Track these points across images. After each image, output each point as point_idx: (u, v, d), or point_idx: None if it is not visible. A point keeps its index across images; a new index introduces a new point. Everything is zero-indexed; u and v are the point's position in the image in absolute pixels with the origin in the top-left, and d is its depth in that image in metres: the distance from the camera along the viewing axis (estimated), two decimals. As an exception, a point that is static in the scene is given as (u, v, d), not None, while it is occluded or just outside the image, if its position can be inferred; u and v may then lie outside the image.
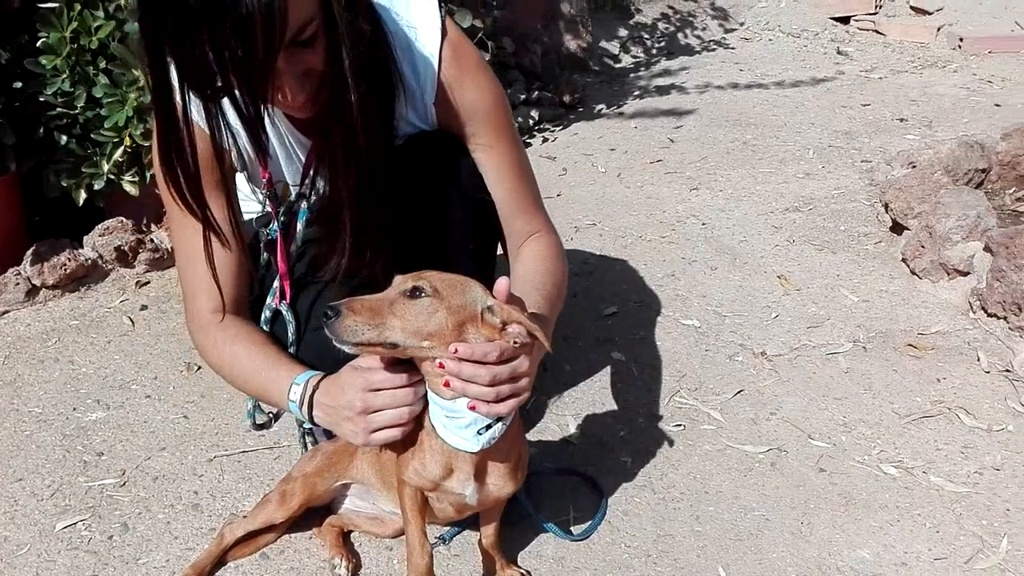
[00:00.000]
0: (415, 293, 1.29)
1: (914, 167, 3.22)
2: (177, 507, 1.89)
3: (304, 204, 1.64)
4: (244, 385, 1.66)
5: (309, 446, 1.92)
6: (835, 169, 3.81)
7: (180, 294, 2.80)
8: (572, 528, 1.81)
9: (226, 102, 1.30)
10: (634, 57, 6.21)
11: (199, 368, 2.39)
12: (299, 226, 1.65)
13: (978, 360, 2.35)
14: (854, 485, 1.91)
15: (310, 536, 1.78)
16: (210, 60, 1.20)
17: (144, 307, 2.76)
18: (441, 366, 1.31)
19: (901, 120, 4.46)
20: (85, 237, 2.91)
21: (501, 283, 1.32)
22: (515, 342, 1.31)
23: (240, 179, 1.74)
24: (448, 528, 1.77)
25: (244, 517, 1.72)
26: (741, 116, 4.64)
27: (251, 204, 1.86)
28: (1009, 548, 1.72)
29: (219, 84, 1.25)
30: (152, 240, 3.01)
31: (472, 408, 1.32)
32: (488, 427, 1.37)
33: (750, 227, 3.25)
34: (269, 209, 1.65)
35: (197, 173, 1.43)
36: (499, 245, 1.86)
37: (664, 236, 3.22)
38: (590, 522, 1.80)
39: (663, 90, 5.29)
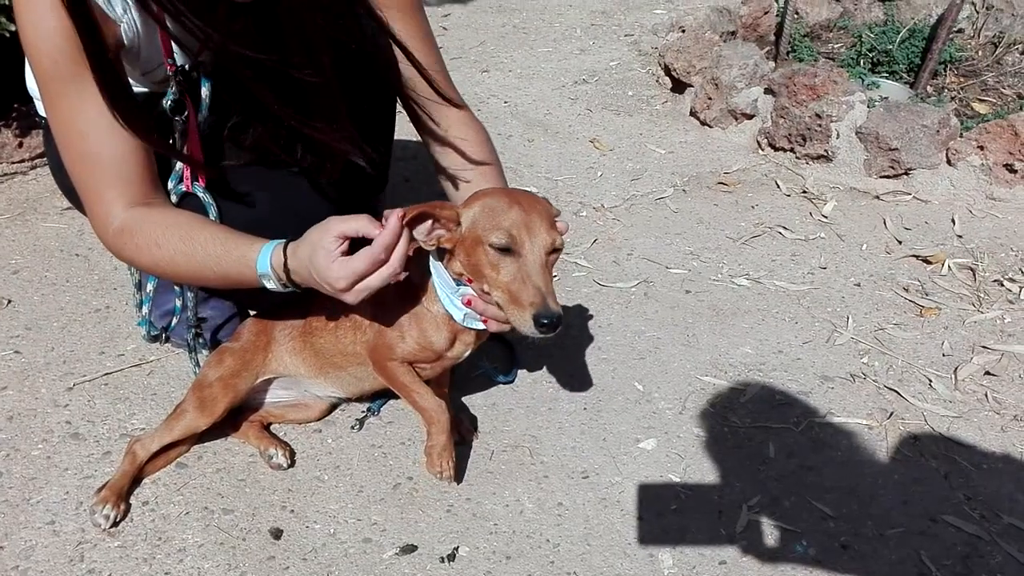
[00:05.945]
0: (556, 252, 1.30)
1: (684, 31, 3.50)
2: (52, 441, 1.66)
3: (200, 74, 1.44)
4: (197, 274, 1.41)
5: (203, 355, 1.76)
6: (605, 44, 4.03)
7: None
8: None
9: None
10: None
11: (9, 302, 2.07)
12: (204, 92, 1.45)
13: (778, 187, 2.68)
14: (718, 299, 2.14)
15: (225, 438, 1.66)
16: None
17: (-97, 249, 2.31)
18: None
19: (645, -4, 4.79)
20: None
21: None
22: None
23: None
24: (375, 400, 1.74)
25: (155, 431, 1.56)
26: (503, 2, 4.71)
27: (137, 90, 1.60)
28: (854, 325, 2.04)
29: None
30: None
31: None
32: None
33: (549, 101, 3.37)
34: (169, 71, 1.41)
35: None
36: None
37: (472, 116, 3.24)
38: (512, 370, 1.85)
39: (417, -17, 5.21)
